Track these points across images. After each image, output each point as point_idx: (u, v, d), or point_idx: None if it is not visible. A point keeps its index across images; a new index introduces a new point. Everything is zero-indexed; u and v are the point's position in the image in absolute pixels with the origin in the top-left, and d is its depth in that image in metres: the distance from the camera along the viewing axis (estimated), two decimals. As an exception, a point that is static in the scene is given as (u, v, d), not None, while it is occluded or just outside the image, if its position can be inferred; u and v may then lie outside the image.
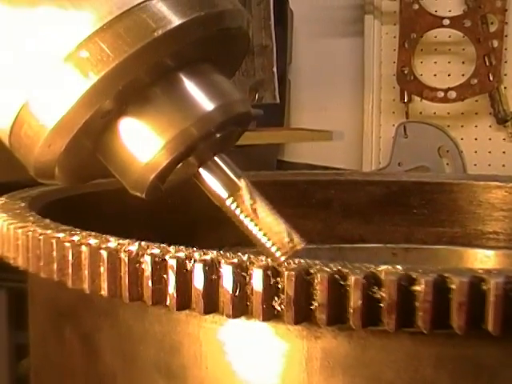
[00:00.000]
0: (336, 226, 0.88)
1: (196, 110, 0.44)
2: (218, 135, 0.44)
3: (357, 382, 0.42)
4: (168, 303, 0.42)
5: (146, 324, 0.46)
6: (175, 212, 0.77)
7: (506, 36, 2.72)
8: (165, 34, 0.42)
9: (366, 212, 0.88)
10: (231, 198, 0.44)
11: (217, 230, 0.74)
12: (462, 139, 2.79)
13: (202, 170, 0.45)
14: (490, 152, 2.80)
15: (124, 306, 0.46)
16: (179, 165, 0.44)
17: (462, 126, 2.82)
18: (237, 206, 0.43)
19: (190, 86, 0.44)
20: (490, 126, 2.79)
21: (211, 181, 0.45)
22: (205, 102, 0.44)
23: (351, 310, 0.39)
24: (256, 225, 0.43)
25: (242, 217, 0.43)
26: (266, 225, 0.43)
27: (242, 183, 0.44)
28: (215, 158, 0.45)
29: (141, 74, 0.43)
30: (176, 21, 0.42)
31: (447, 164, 2.76)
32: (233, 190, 0.44)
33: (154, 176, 0.44)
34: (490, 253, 0.86)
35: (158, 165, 0.44)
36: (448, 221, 0.87)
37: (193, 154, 0.44)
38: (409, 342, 0.41)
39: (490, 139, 2.80)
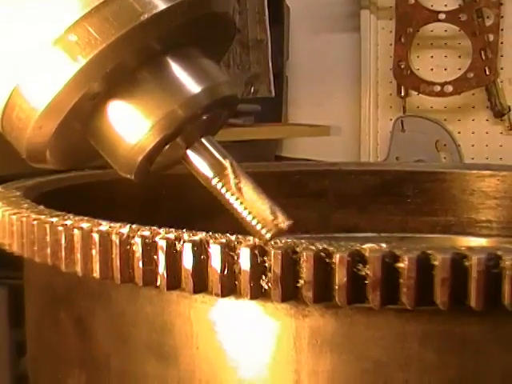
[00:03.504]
0: (330, 216, 0.88)
1: (183, 92, 0.45)
2: (205, 117, 0.45)
3: (344, 359, 0.42)
4: (158, 284, 0.43)
5: (138, 305, 0.47)
6: (169, 203, 0.78)
7: (502, 30, 2.73)
8: (151, 17, 0.43)
9: (360, 201, 0.88)
10: (217, 178, 0.44)
11: (211, 220, 0.75)
12: (459, 133, 2.80)
13: (189, 152, 0.46)
14: (487, 145, 2.81)
15: (116, 289, 0.47)
16: (167, 146, 0.45)
17: (459, 120, 2.83)
18: (223, 186, 0.44)
19: (177, 69, 0.45)
20: (487, 120, 2.80)
21: (198, 162, 0.45)
22: (191, 85, 0.45)
23: (336, 288, 0.40)
24: (242, 204, 0.44)
25: (228, 196, 0.44)
26: (251, 204, 0.44)
27: (227, 163, 0.44)
28: (202, 139, 0.46)
29: (128, 58, 0.43)
30: (162, 5, 0.43)
31: (444, 158, 2.76)
32: (219, 170, 0.44)
33: (142, 157, 0.45)
34: (484, 241, 0.86)
35: (146, 146, 0.44)
36: (441, 209, 0.87)
37: (180, 135, 0.45)
38: (395, 319, 0.41)
39: (487, 133, 2.81)
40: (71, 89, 0.43)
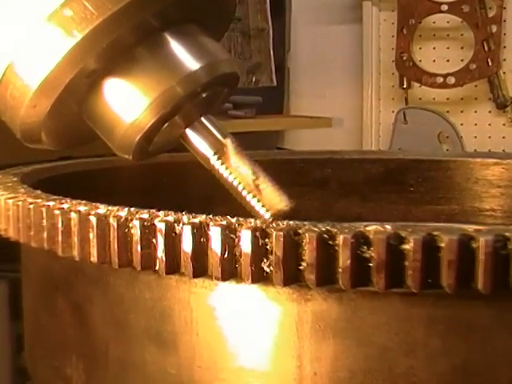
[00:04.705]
0: (333, 205, 0.88)
1: (181, 70, 0.44)
2: (204, 95, 0.44)
3: (348, 344, 0.41)
4: (157, 268, 0.42)
5: (137, 291, 0.46)
6: (169, 191, 0.77)
7: (505, 21, 2.71)
8: None
9: (363, 190, 0.87)
10: (217, 157, 0.43)
11: (212, 209, 0.74)
12: (461, 125, 2.79)
13: (188, 131, 0.45)
14: (489, 137, 2.80)
15: (114, 274, 0.46)
16: (165, 125, 0.44)
17: (461, 112, 2.82)
18: (222, 165, 0.43)
19: (176, 46, 0.44)
20: (490, 111, 2.79)
21: (197, 141, 0.44)
22: (190, 62, 0.44)
23: (340, 270, 0.38)
24: (241, 184, 0.43)
25: (227, 176, 0.43)
26: (251, 184, 0.43)
27: (227, 142, 0.43)
28: (201, 118, 0.45)
29: (125, 33, 0.42)
30: None
31: (447, 150, 2.76)
32: (219, 149, 0.43)
33: (140, 136, 0.44)
34: (488, 230, 0.85)
35: (144, 125, 0.43)
36: (445, 198, 0.86)
37: (179, 113, 0.44)
38: (399, 304, 0.40)
39: (489, 124, 2.80)
40: (66, 65, 0.42)
